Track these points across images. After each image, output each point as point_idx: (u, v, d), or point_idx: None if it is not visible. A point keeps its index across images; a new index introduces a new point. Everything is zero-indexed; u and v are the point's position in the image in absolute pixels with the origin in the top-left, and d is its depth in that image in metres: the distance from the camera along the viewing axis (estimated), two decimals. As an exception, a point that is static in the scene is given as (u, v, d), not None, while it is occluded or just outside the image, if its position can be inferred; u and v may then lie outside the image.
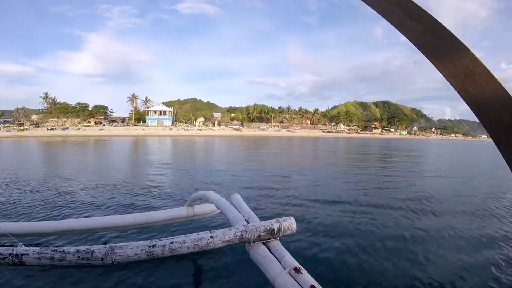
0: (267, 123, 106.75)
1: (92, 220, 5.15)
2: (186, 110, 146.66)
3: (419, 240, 5.97)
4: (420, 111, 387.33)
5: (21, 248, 2.92)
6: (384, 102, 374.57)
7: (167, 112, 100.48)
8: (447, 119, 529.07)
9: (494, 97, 0.89)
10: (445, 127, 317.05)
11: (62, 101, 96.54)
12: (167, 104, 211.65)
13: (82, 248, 2.85)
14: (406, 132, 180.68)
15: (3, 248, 2.99)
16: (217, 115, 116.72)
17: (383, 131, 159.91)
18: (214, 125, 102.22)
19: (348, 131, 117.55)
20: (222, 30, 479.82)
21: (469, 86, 0.75)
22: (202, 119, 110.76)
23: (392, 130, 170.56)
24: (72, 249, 2.84)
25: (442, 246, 5.76)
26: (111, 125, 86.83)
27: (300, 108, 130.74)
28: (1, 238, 4.83)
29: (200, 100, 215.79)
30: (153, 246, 2.87)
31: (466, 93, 0.86)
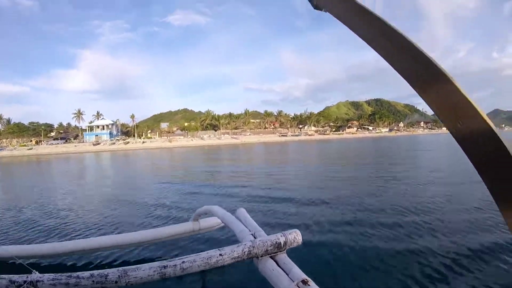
0: (215, 130, 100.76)
1: (99, 240, 5.26)
2: (176, 121, 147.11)
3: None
4: (414, 106, 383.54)
5: (35, 275, 2.89)
6: (377, 100, 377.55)
7: (105, 127, 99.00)
8: None
9: (479, 131, 0.87)
10: (436, 120, 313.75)
11: (21, 121, 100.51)
12: (158, 116, 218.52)
13: (96, 272, 2.88)
14: (387, 129, 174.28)
15: (17, 276, 2.93)
16: (164, 125, 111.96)
17: (359, 130, 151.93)
18: (160, 136, 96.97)
19: (309, 134, 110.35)
20: (215, 39, 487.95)
21: (455, 119, 0.78)
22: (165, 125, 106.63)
23: (370, 128, 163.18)
24: (86, 273, 2.87)
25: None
26: (53, 143, 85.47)
27: (265, 112, 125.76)
28: (10, 263, 4.76)
29: (191, 110, 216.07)
30: (164, 266, 2.90)
31: (454, 127, 0.83)
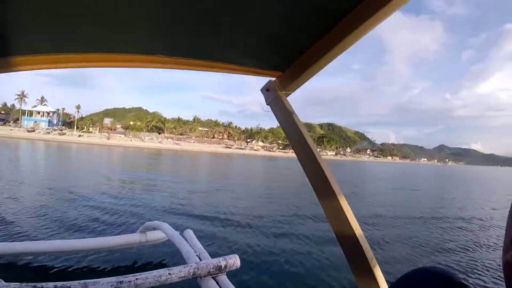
0: (159, 133, 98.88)
1: (45, 244, 5.33)
2: (129, 118, 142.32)
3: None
4: (364, 134, 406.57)
5: (1, 283, 2.99)
6: (329, 124, 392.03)
7: (45, 114, 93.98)
8: (390, 143, 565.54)
9: None
10: (383, 149, 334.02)
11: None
12: (110, 111, 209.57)
13: (59, 284, 2.97)
14: (333, 153, 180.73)
15: None
16: (106, 121, 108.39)
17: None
18: (100, 132, 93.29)
19: (255, 149, 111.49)
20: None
21: None
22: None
23: (318, 149, 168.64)
24: (50, 284, 2.96)
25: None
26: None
27: (216, 121, 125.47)
28: None
29: (146, 110, 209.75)
30: (121, 282, 3.05)
31: None
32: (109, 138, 79.17)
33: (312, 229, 9.37)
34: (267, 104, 1.37)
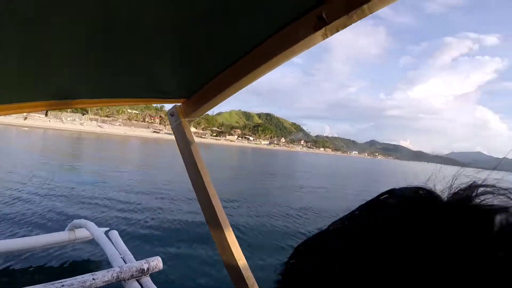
0: (83, 114, 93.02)
1: None
2: None
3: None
4: (300, 126, 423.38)
5: None
6: (267, 114, 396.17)
7: None
8: (325, 135, 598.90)
9: None
10: (316, 141, 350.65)
11: None
12: None
13: None
14: (268, 142, 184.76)
15: None
16: None
17: (239, 139, 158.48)
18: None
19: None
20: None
21: None
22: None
23: (251, 138, 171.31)
24: None
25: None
26: None
27: (146, 104, 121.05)
28: None
29: None
30: None
31: None
32: (26, 118, 72.69)
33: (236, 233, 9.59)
34: (172, 129, 1.41)
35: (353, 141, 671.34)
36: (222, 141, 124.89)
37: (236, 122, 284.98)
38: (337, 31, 0.78)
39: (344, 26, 0.76)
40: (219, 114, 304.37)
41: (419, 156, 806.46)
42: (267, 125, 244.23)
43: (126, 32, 0.83)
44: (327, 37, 0.79)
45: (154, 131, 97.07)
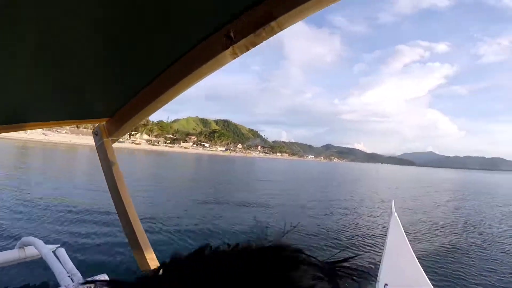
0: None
1: None
2: None
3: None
4: (257, 132, 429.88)
5: None
6: (225, 121, 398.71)
7: None
8: (282, 140, 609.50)
9: None
10: (273, 146, 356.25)
11: None
12: None
13: None
14: (224, 149, 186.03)
15: None
16: None
17: (194, 145, 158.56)
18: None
19: (136, 143, 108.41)
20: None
21: None
22: None
23: (207, 145, 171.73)
24: None
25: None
26: None
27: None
28: None
29: None
30: None
31: None
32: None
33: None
34: (96, 148, 1.39)
35: (310, 146, 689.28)
36: (175, 148, 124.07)
37: (193, 129, 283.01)
38: (247, 49, 0.77)
39: (254, 44, 0.76)
40: (175, 121, 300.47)
41: (373, 157, 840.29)
42: (224, 132, 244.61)
43: (54, 52, 0.81)
44: (237, 55, 0.79)
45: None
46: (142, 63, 0.97)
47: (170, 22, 0.74)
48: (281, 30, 0.71)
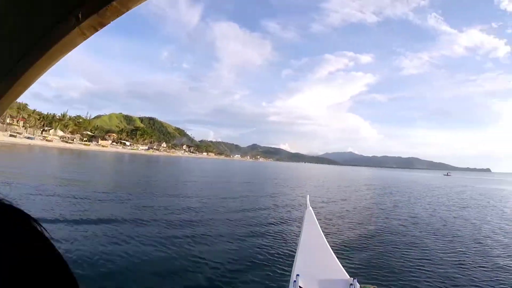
0: None
1: None
2: None
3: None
4: (184, 131, 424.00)
5: None
6: (150, 118, 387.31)
7: None
8: (209, 140, 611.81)
9: None
10: (199, 145, 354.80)
11: None
12: None
13: None
14: (146, 147, 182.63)
15: None
16: None
17: (114, 144, 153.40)
18: None
19: (48, 139, 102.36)
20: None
21: None
22: None
23: (128, 143, 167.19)
24: None
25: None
26: None
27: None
28: None
29: None
30: None
31: None
32: None
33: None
34: None
35: (236, 145, 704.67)
36: (92, 146, 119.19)
37: (117, 126, 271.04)
38: (95, 30, 0.77)
39: (101, 24, 0.76)
40: (97, 117, 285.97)
41: (297, 157, 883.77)
42: (147, 129, 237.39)
43: None
44: (87, 36, 0.79)
45: (11, 135, 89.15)
46: (4, 47, 0.88)
47: (25, 4, 0.73)
48: (128, 9, 0.71)
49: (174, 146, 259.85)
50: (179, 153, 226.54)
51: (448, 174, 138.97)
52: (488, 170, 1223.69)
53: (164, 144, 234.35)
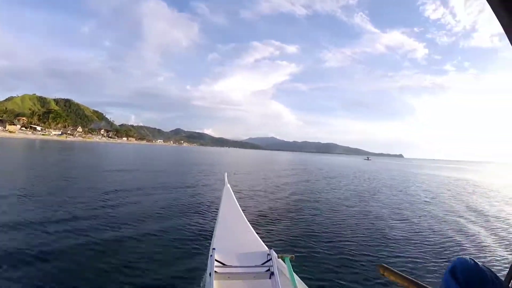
0: None
1: None
2: None
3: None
4: (103, 114, 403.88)
5: None
6: (67, 100, 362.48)
7: None
8: (130, 124, 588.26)
9: None
10: (119, 130, 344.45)
11: None
12: None
13: None
14: (60, 132, 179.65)
15: None
16: None
17: (23, 128, 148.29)
18: None
19: None
20: None
21: None
22: None
23: (39, 128, 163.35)
24: None
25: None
26: None
27: None
28: None
29: None
30: None
31: None
32: None
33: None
34: None
35: (159, 130, 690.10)
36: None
37: (29, 109, 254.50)
38: None
39: None
40: (9, 99, 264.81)
41: (221, 142, 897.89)
42: (61, 112, 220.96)
43: None
44: None
45: None
46: None
47: None
48: None
49: (91, 131, 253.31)
50: (96, 138, 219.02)
51: (368, 158, 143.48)
52: (401, 155, 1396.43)
53: (80, 129, 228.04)
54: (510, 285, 1.36)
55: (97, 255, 5.49)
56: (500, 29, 0.98)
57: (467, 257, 0.90)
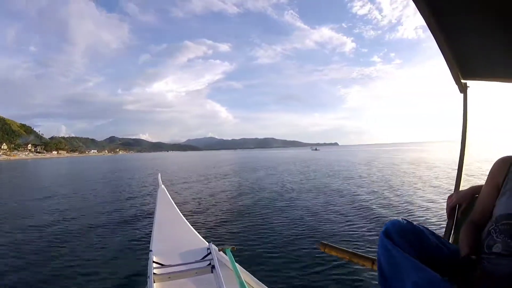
0: None
1: None
2: None
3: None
4: (31, 127, 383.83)
5: None
6: None
7: None
8: (61, 136, 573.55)
9: None
10: (47, 144, 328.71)
11: None
12: None
13: None
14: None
15: None
16: None
17: None
18: None
19: None
20: None
21: None
22: None
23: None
24: None
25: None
26: None
27: None
28: None
29: None
30: None
31: None
32: None
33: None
34: None
35: (92, 140, 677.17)
36: None
37: None
38: None
39: None
40: None
41: (159, 146, 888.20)
42: None
43: None
44: None
45: None
46: None
47: None
48: None
49: (17, 147, 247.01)
50: (22, 155, 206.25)
51: (316, 149, 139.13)
52: (336, 143, 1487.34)
53: (4, 146, 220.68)
54: (450, 240, 1.44)
55: (29, 276, 4.86)
56: (423, 22, 0.98)
57: (399, 218, 0.92)
